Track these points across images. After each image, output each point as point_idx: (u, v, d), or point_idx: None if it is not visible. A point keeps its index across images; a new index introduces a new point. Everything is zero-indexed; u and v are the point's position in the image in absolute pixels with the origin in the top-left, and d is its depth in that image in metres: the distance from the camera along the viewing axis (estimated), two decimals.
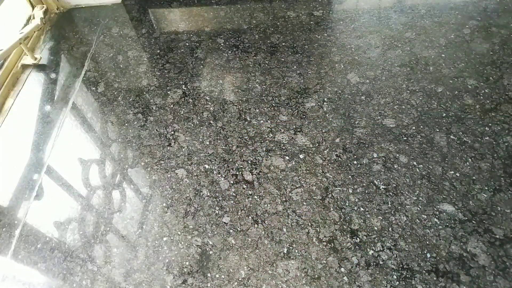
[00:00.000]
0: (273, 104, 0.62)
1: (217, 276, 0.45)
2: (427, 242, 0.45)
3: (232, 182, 0.53)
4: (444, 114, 0.57)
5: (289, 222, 0.51)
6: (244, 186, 0.54)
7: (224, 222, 0.49)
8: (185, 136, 0.58)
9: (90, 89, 0.68)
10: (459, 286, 0.42)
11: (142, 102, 0.65)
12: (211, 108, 0.62)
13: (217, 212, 0.50)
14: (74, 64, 0.73)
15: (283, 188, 0.54)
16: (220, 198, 0.51)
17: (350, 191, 0.53)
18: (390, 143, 0.56)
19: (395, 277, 0.43)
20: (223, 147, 0.57)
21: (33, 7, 0.80)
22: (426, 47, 0.67)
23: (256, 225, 0.50)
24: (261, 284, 0.44)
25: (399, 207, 0.50)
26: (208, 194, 0.52)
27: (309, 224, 0.50)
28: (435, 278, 0.42)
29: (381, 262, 0.44)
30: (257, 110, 0.62)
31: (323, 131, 0.59)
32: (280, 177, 0.55)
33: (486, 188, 0.49)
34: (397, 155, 0.55)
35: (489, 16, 0.71)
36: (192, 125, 0.60)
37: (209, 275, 0.45)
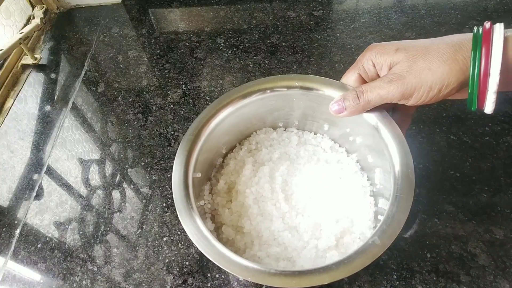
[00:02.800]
0: None
1: (217, 276, 0.45)
2: (427, 242, 0.45)
3: None
4: (444, 114, 0.57)
5: None
6: None
7: None
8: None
9: (90, 89, 0.68)
10: (459, 286, 0.42)
11: (142, 102, 0.65)
12: None
13: None
14: (74, 64, 0.73)
15: None
16: None
17: None
18: None
19: (395, 277, 0.43)
20: None
21: (33, 7, 0.80)
22: None
23: None
24: (261, 284, 0.44)
25: None
26: None
27: None
28: (435, 278, 0.42)
29: (381, 262, 0.44)
30: None
31: None
32: None
33: (486, 188, 0.49)
34: None
35: (489, 16, 0.71)
36: None
37: (209, 275, 0.45)
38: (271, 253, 0.41)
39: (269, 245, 0.42)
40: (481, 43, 0.29)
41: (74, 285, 0.46)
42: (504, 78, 0.29)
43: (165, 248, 0.48)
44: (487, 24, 0.30)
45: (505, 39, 0.29)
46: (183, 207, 0.37)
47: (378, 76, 0.35)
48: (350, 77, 0.38)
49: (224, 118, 0.45)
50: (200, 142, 0.43)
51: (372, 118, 0.39)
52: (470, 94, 0.30)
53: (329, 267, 0.31)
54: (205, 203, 0.45)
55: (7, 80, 0.69)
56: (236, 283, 0.44)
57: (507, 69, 0.29)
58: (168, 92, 0.65)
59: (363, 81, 0.37)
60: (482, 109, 0.32)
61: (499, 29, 0.29)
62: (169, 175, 0.55)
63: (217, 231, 0.44)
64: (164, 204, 0.52)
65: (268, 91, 0.45)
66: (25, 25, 0.77)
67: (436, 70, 0.31)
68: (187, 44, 0.74)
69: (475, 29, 0.31)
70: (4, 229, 0.51)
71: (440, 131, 0.55)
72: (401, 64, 0.31)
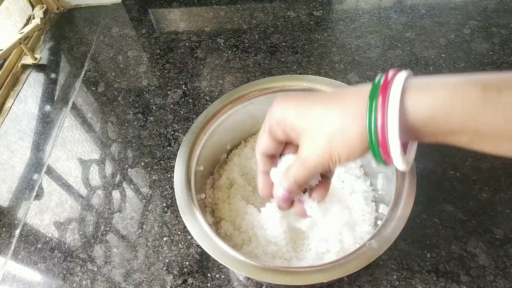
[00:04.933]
0: None
1: (217, 276, 0.45)
2: (427, 242, 0.45)
3: None
4: None
5: None
6: None
7: None
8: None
9: (90, 89, 0.68)
10: (459, 286, 0.42)
11: (142, 102, 0.65)
12: None
13: None
14: (74, 64, 0.73)
15: None
16: None
17: None
18: None
19: (395, 277, 0.43)
20: None
21: (33, 7, 0.80)
22: (426, 47, 0.67)
23: None
24: (261, 283, 0.44)
25: None
26: None
27: None
28: (435, 278, 0.42)
29: (381, 262, 0.44)
30: None
31: None
32: None
33: (486, 188, 0.49)
34: None
35: (489, 16, 0.71)
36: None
37: (209, 275, 0.45)
38: (268, 251, 0.41)
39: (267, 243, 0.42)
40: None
41: (74, 285, 0.46)
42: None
43: (165, 248, 0.48)
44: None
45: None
46: (183, 197, 0.37)
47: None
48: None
49: (230, 115, 0.45)
50: (205, 136, 0.43)
51: None
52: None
53: (324, 267, 0.31)
54: (206, 197, 0.46)
55: (7, 80, 0.69)
56: (236, 283, 0.44)
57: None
58: (168, 92, 0.65)
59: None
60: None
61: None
62: (169, 175, 0.55)
63: (216, 226, 0.44)
64: (164, 204, 0.52)
65: (275, 90, 0.45)
66: (25, 25, 0.77)
67: None
68: (187, 44, 0.74)
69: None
70: (4, 229, 0.51)
71: None
72: None
